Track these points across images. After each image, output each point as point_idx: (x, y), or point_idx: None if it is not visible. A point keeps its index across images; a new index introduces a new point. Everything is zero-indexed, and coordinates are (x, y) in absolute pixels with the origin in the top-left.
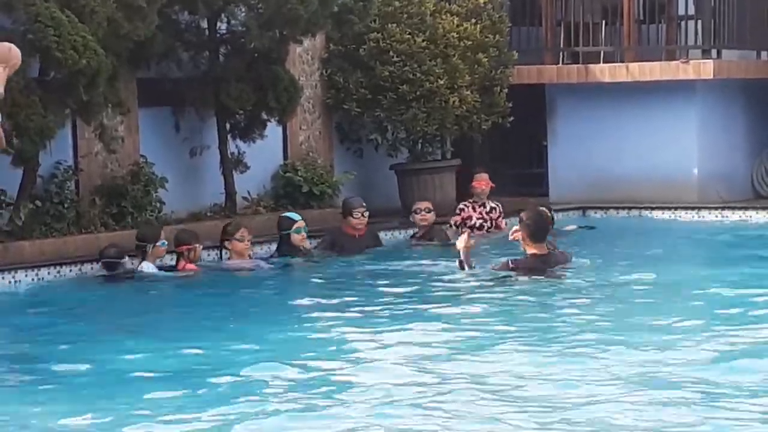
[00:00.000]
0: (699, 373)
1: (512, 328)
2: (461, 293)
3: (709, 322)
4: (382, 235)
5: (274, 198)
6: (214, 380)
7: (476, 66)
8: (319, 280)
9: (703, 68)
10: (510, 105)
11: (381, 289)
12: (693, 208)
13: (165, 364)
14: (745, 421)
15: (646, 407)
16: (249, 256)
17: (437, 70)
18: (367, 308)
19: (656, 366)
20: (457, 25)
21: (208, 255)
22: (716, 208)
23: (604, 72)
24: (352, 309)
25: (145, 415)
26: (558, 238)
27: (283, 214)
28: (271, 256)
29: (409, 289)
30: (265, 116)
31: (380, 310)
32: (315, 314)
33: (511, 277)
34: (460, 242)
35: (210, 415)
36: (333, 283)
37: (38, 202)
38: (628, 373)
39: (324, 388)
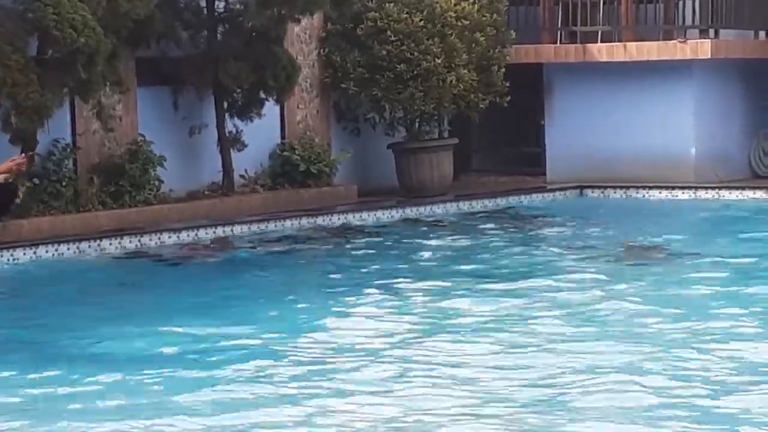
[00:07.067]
0: None
1: None
2: None
3: None
4: (379, 214)
5: (272, 176)
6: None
7: (473, 45)
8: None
9: (701, 48)
10: (507, 84)
11: None
12: (690, 188)
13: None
14: None
15: None
16: None
17: (435, 49)
18: None
19: None
20: (455, 4)
21: (206, 234)
22: (713, 188)
23: (601, 51)
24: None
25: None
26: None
27: None
28: None
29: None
30: (263, 95)
31: None
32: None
33: None
34: None
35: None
36: None
37: (36, 180)
38: None
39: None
